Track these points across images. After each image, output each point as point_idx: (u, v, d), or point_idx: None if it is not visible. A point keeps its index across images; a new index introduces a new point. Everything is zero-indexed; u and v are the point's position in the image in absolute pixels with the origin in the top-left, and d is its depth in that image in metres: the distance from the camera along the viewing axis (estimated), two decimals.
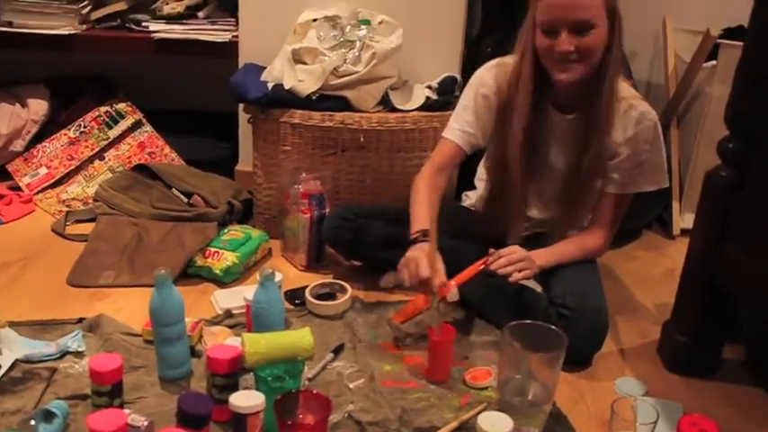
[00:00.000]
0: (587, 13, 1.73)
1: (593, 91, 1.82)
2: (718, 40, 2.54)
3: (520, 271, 1.83)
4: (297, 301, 2.03)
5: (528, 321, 1.56)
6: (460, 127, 2.01)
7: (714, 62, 2.57)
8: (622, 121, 1.87)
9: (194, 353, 1.74)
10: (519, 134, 1.89)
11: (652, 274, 2.40)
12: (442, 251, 1.79)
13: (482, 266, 1.85)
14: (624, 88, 1.90)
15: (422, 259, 1.76)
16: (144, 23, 2.78)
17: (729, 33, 2.63)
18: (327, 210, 2.22)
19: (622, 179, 1.90)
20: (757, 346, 1.89)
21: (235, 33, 2.69)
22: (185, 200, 2.54)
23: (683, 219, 2.69)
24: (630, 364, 1.87)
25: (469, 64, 2.46)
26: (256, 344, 1.52)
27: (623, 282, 2.33)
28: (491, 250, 1.88)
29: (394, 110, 2.36)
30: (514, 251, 1.86)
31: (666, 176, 1.94)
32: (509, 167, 1.94)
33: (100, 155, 2.81)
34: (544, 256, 1.91)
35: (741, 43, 1.70)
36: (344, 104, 2.31)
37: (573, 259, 1.94)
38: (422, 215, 1.91)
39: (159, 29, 2.74)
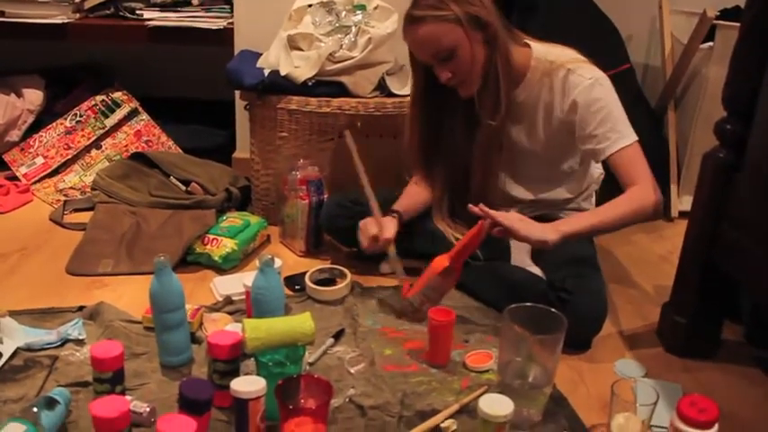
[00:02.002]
0: (440, 45, 1.78)
1: (478, 75, 1.83)
2: (715, 22, 2.53)
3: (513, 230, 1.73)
4: (296, 287, 2.04)
5: (528, 304, 1.56)
6: None
7: (711, 43, 2.56)
8: (562, 88, 1.85)
9: (195, 339, 1.74)
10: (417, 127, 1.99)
11: (651, 257, 2.40)
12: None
13: (479, 231, 1.77)
14: (564, 54, 1.87)
15: (370, 223, 1.97)
16: (138, 11, 2.78)
17: (726, 14, 2.62)
18: (325, 195, 2.22)
19: (597, 142, 1.82)
20: (756, 327, 1.90)
21: (230, 20, 2.68)
22: (183, 188, 2.54)
23: (682, 201, 2.69)
24: (630, 345, 1.88)
25: None
26: (257, 330, 1.52)
27: (622, 264, 2.33)
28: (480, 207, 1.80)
29: (391, 95, 2.36)
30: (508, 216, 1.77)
31: (632, 129, 1.82)
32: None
33: (97, 144, 2.81)
34: (574, 222, 1.80)
35: (738, 24, 1.69)
36: (341, 90, 2.30)
37: (619, 217, 1.77)
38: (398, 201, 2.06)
39: (153, 17, 2.73)
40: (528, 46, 1.89)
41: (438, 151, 2.01)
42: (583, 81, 1.81)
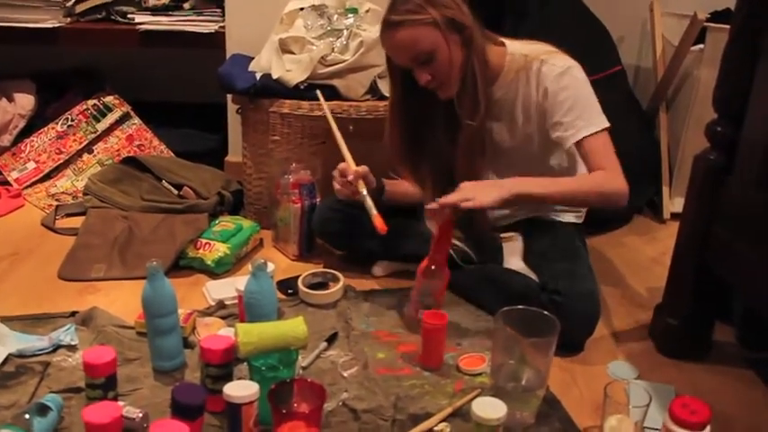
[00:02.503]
0: (419, 48, 1.79)
1: (456, 77, 1.84)
2: (706, 24, 2.54)
3: (467, 200, 1.72)
4: (289, 291, 2.03)
5: (520, 307, 1.57)
6: None
7: (702, 45, 2.57)
8: (537, 79, 1.86)
9: (187, 344, 1.74)
10: (398, 127, 2.00)
11: (643, 259, 2.41)
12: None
13: (445, 223, 1.78)
14: (537, 48, 1.89)
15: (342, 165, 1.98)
16: (129, 15, 2.77)
17: (716, 17, 2.63)
18: (318, 199, 2.22)
19: (563, 129, 1.83)
20: (748, 328, 1.90)
21: (221, 24, 2.68)
22: (175, 192, 2.53)
23: (674, 203, 2.70)
24: (623, 347, 1.88)
25: None
26: (249, 334, 1.51)
27: (615, 266, 2.34)
28: (427, 206, 1.83)
29: (383, 98, 2.36)
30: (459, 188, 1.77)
31: (603, 117, 1.82)
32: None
33: (88, 148, 2.80)
34: (530, 182, 1.81)
35: (728, 26, 1.70)
36: (333, 93, 2.30)
37: (576, 190, 1.83)
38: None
39: (145, 20, 2.73)
40: (503, 44, 1.91)
41: (422, 154, 2.01)
42: (554, 69, 1.84)
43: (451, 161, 1.97)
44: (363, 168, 1.97)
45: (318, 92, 2.12)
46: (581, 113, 1.81)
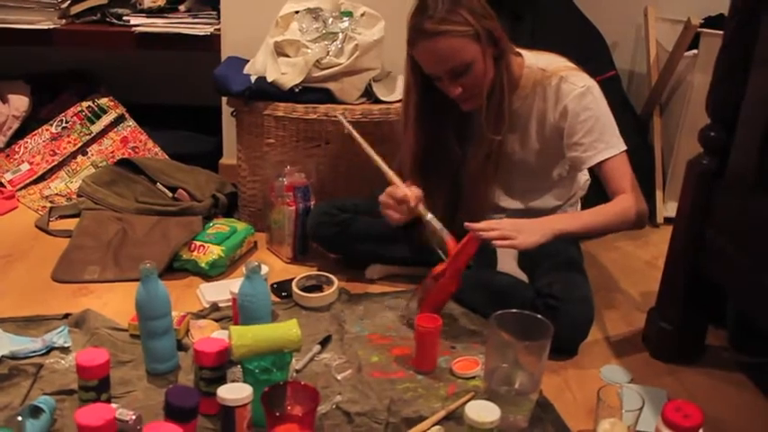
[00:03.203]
0: (458, 60, 1.75)
1: (485, 91, 1.82)
2: (699, 29, 2.55)
3: (506, 239, 1.72)
4: (283, 294, 2.03)
5: (514, 311, 1.57)
6: None
7: (695, 51, 2.58)
8: (555, 96, 1.86)
9: (181, 346, 1.74)
10: (412, 143, 1.95)
11: (636, 263, 2.41)
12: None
13: (470, 243, 1.75)
14: (554, 62, 1.89)
15: (392, 189, 1.91)
16: (125, 17, 2.77)
17: (710, 22, 2.64)
18: (312, 202, 2.22)
19: (583, 150, 1.84)
20: (740, 332, 1.91)
21: (217, 26, 2.68)
22: (170, 194, 2.53)
23: (667, 207, 2.71)
24: (616, 351, 1.89)
25: None
26: (243, 336, 1.51)
27: (608, 270, 2.34)
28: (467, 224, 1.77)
29: (377, 101, 2.37)
30: (499, 223, 1.77)
31: (620, 139, 1.85)
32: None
33: (83, 150, 2.79)
34: (565, 220, 1.82)
35: (721, 32, 1.71)
36: (328, 97, 2.30)
37: (606, 222, 1.82)
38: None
39: (140, 23, 2.72)
40: (520, 55, 1.90)
41: (433, 164, 1.98)
42: (575, 89, 1.82)
43: (462, 172, 1.97)
44: (419, 191, 1.90)
45: (340, 115, 2.06)
46: (601, 135, 1.81)
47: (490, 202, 2.01)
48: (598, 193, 1.94)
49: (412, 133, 1.95)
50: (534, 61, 1.89)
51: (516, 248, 1.74)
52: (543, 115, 1.89)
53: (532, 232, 1.73)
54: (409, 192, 1.88)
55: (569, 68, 1.87)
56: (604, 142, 1.82)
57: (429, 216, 1.88)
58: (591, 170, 1.93)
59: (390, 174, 1.95)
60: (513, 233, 1.71)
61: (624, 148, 1.83)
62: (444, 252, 1.84)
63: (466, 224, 1.74)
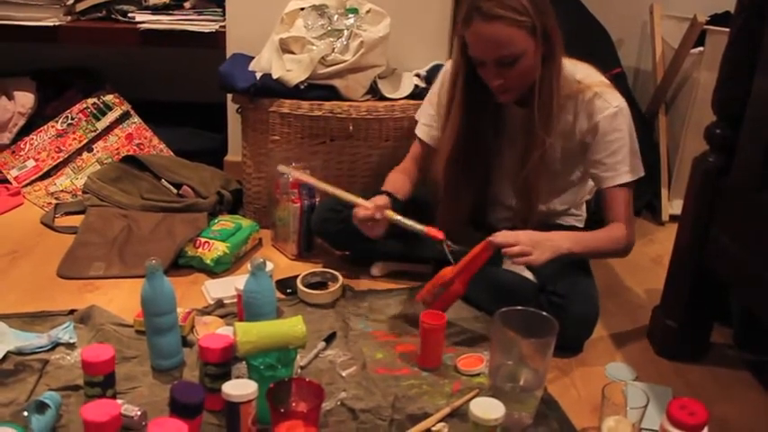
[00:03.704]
0: (509, 50, 1.71)
1: (535, 91, 1.79)
2: (706, 27, 2.54)
3: (525, 255, 1.72)
4: (288, 291, 2.04)
5: (519, 308, 1.57)
6: (424, 121, 2.09)
7: (701, 48, 2.58)
8: (587, 110, 1.84)
9: (186, 343, 1.74)
10: (455, 129, 1.91)
11: (642, 260, 2.41)
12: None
13: (485, 251, 1.76)
14: (591, 75, 1.88)
15: (358, 209, 1.90)
16: (130, 14, 2.77)
17: (716, 20, 2.64)
18: (317, 199, 2.22)
19: (604, 170, 1.85)
20: (745, 330, 1.91)
21: (222, 23, 2.68)
22: (175, 191, 2.54)
23: (672, 205, 2.70)
24: (621, 349, 1.89)
25: None
26: (248, 333, 1.52)
27: (613, 268, 2.34)
28: (489, 239, 1.77)
29: (383, 98, 2.36)
30: (515, 236, 1.75)
31: (641, 164, 1.86)
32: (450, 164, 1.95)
33: (88, 147, 2.80)
34: (571, 240, 1.82)
35: (728, 29, 1.70)
36: (333, 93, 2.30)
37: (600, 248, 1.88)
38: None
39: (145, 19, 2.72)
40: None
41: (468, 155, 1.94)
42: (608, 107, 1.82)
43: (491, 172, 1.98)
44: (381, 199, 1.91)
45: (281, 168, 2.11)
46: (625, 158, 1.82)
47: (538, 203, 1.96)
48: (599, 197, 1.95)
49: (456, 119, 1.90)
50: (571, 70, 1.85)
51: (530, 265, 1.76)
52: (571, 127, 1.88)
53: (546, 249, 1.74)
54: (371, 206, 1.88)
55: (605, 85, 1.86)
56: (627, 165, 1.83)
57: (397, 218, 1.88)
58: None
59: (349, 197, 1.95)
60: (529, 249, 1.72)
61: (641, 175, 1.85)
62: (435, 246, 1.86)
63: (489, 238, 1.74)
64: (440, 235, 1.84)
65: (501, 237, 1.74)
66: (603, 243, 1.86)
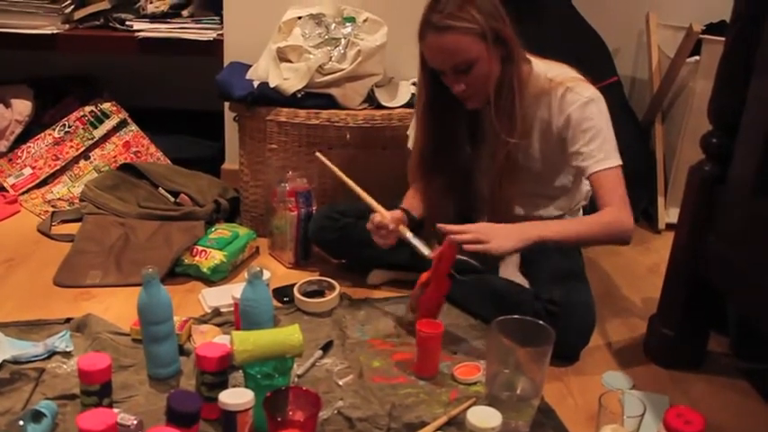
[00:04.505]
0: (462, 57, 1.76)
1: (492, 91, 1.82)
2: (701, 36, 2.55)
3: (480, 243, 1.70)
4: (285, 299, 2.03)
5: (516, 316, 1.57)
6: (413, 131, 2.08)
7: (697, 57, 2.59)
8: (560, 105, 1.85)
9: (183, 351, 1.74)
10: (425, 139, 1.96)
11: (638, 269, 2.41)
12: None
13: (448, 247, 1.75)
14: (563, 72, 1.89)
15: (375, 216, 1.92)
16: (128, 22, 2.78)
17: (712, 29, 2.65)
18: (314, 207, 2.22)
19: (584, 159, 1.83)
20: (742, 338, 1.91)
21: (219, 32, 2.68)
22: (172, 199, 2.54)
23: (669, 213, 2.71)
24: (617, 357, 1.89)
25: None
26: (245, 342, 1.52)
27: (609, 276, 2.34)
28: (438, 226, 1.79)
29: (380, 107, 2.37)
30: (471, 226, 1.77)
31: (618, 154, 1.83)
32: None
33: (85, 154, 2.80)
34: (544, 227, 1.80)
35: (723, 38, 1.71)
36: (330, 102, 2.31)
37: (587, 233, 1.83)
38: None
39: (143, 28, 2.73)
40: (530, 62, 1.90)
41: (442, 163, 1.98)
42: (579, 99, 1.82)
43: (473, 174, 1.97)
44: (398, 213, 1.93)
45: (319, 154, 2.08)
46: (601, 145, 1.81)
47: (511, 206, 1.98)
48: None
49: (420, 130, 1.97)
50: (544, 70, 1.89)
51: (489, 253, 1.71)
52: (546, 124, 1.89)
53: (507, 237, 1.73)
54: (388, 216, 1.90)
55: (576, 79, 1.87)
56: (603, 152, 1.81)
57: (408, 235, 1.89)
58: None
59: (370, 201, 1.96)
60: (484, 237, 1.71)
61: (620, 163, 1.82)
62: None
63: (437, 225, 1.75)
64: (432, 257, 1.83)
65: (455, 226, 1.74)
66: (590, 228, 1.83)
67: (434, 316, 1.82)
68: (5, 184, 2.70)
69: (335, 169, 2.04)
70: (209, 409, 1.46)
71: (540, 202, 2.04)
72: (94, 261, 2.20)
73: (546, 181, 2.00)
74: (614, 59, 2.80)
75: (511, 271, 2.00)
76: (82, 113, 2.82)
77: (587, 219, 1.83)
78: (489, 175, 1.94)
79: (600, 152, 1.81)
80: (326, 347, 1.81)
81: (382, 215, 1.91)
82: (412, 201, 2.04)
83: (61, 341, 1.75)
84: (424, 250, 1.86)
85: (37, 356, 1.70)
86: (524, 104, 1.86)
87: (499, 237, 1.72)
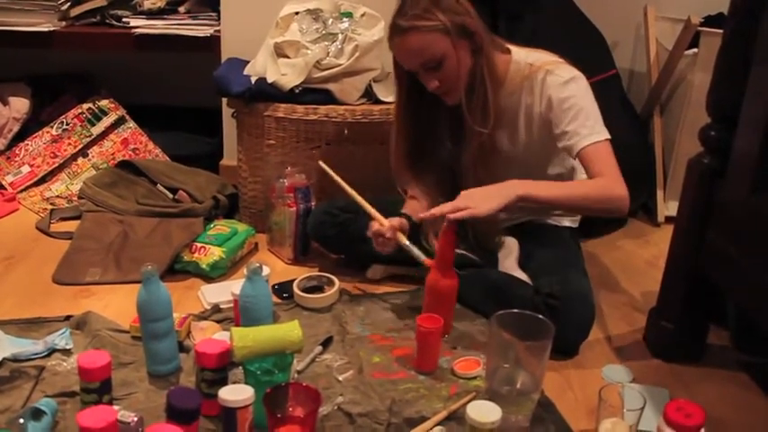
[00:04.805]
0: (427, 54, 1.80)
1: (462, 82, 1.84)
2: (699, 28, 2.55)
3: (462, 210, 1.71)
4: (284, 295, 2.03)
5: (515, 311, 1.57)
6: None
7: (695, 50, 2.58)
8: (541, 88, 1.87)
9: (183, 348, 1.74)
10: (403, 131, 2.00)
11: (637, 262, 2.41)
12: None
13: (446, 232, 1.76)
14: (543, 57, 1.90)
15: (373, 224, 1.92)
16: (124, 19, 2.77)
17: (710, 21, 2.64)
18: (313, 203, 2.22)
19: (569, 138, 1.81)
20: (741, 332, 1.91)
21: (216, 28, 2.68)
22: (170, 196, 2.53)
23: (668, 206, 2.71)
24: (617, 351, 1.89)
25: None
26: (245, 338, 1.52)
27: (609, 270, 2.34)
28: (418, 216, 1.86)
29: (378, 102, 2.37)
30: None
31: (604, 128, 1.80)
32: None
33: (83, 152, 2.80)
34: (529, 184, 1.76)
35: (721, 31, 1.71)
36: (328, 97, 2.31)
37: (579, 194, 1.80)
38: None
39: (140, 24, 2.72)
40: (509, 52, 1.91)
41: (426, 161, 2.01)
42: (558, 79, 1.84)
43: (456, 169, 1.97)
44: (396, 220, 1.92)
45: (322, 163, 2.09)
46: (584, 122, 1.80)
47: None
48: None
49: (400, 129, 2.00)
50: (523, 57, 1.91)
51: (475, 216, 1.71)
52: (530, 110, 1.90)
53: (489, 198, 1.72)
54: (386, 224, 1.90)
55: (556, 62, 1.88)
56: (588, 128, 1.80)
57: (405, 242, 1.89)
58: None
59: (370, 209, 1.95)
60: (464, 204, 1.72)
61: (608, 136, 1.80)
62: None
63: (418, 216, 1.81)
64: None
65: (428, 212, 1.77)
66: (582, 190, 1.80)
67: (449, 324, 1.84)
68: (4, 182, 2.70)
69: (337, 177, 2.03)
70: (209, 406, 1.46)
71: None
72: (94, 258, 2.19)
73: (537, 169, 1.99)
74: (612, 52, 2.79)
75: (510, 265, 2.00)
76: (80, 111, 2.82)
77: (578, 182, 1.82)
78: (464, 166, 1.95)
79: (584, 128, 1.80)
80: (326, 343, 1.81)
81: (380, 223, 1.91)
82: (411, 204, 2.04)
83: (61, 339, 1.75)
84: (420, 256, 1.87)
85: (37, 354, 1.70)
86: (499, 94, 1.88)
87: (480, 199, 1.72)
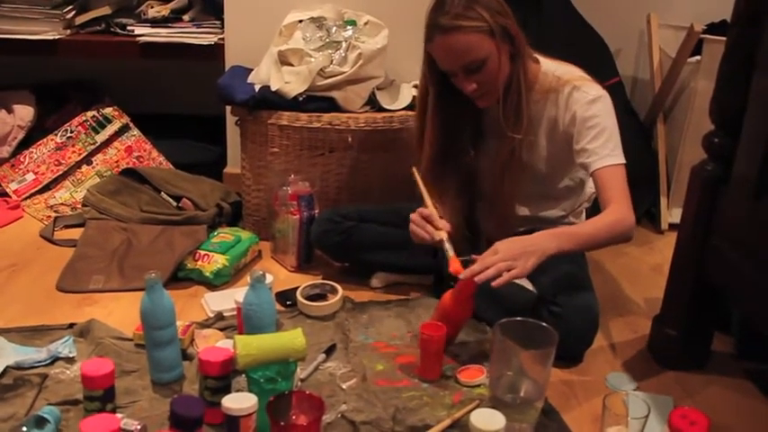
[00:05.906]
0: (472, 56, 1.76)
1: (500, 87, 1.82)
2: (703, 36, 2.55)
3: (504, 272, 1.64)
4: (288, 303, 2.03)
5: (519, 318, 1.57)
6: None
7: (699, 57, 2.58)
8: (567, 103, 1.86)
9: (186, 356, 1.74)
10: (433, 135, 1.94)
11: (641, 269, 2.41)
12: None
13: (464, 289, 1.73)
14: (571, 71, 1.89)
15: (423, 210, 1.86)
16: (129, 27, 2.78)
17: (713, 28, 2.65)
18: (316, 211, 2.22)
19: (588, 156, 1.81)
20: (746, 339, 1.91)
21: (220, 36, 2.69)
22: (174, 203, 2.54)
23: (671, 213, 2.71)
24: (621, 358, 1.88)
25: None
26: (248, 346, 1.51)
27: (613, 277, 2.34)
28: (473, 257, 1.74)
29: (381, 110, 2.37)
30: (493, 252, 1.68)
31: (622, 153, 1.80)
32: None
33: (87, 160, 2.80)
34: (558, 237, 1.73)
35: (724, 38, 1.71)
36: (332, 105, 2.31)
37: (596, 237, 1.77)
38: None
39: (144, 32, 2.73)
40: (537, 61, 1.90)
41: (450, 165, 1.98)
42: (586, 96, 1.83)
43: (477, 173, 1.97)
44: (446, 225, 1.84)
45: (414, 171, 1.99)
46: (606, 143, 1.80)
47: (514, 203, 1.98)
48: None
49: (430, 132, 1.94)
50: (552, 69, 1.90)
51: (519, 278, 1.67)
52: (553, 122, 1.90)
53: (530, 255, 1.67)
54: (440, 223, 1.84)
55: (584, 78, 1.87)
56: (608, 149, 1.80)
57: (446, 245, 1.80)
58: None
59: (428, 199, 1.90)
60: (510, 263, 1.65)
61: (624, 161, 1.81)
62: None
63: (451, 272, 1.72)
64: (458, 272, 1.74)
65: (469, 272, 1.66)
66: (599, 232, 1.78)
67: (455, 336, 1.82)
68: (8, 190, 2.71)
69: (421, 186, 1.95)
70: (212, 414, 1.46)
71: (546, 203, 2.04)
72: (97, 266, 2.20)
73: (552, 182, 1.99)
74: (616, 60, 2.80)
75: None
76: (84, 118, 2.83)
77: (593, 222, 1.80)
78: (491, 172, 1.93)
79: (604, 149, 1.80)
80: (330, 351, 1.81)
81: (436, 218, 1.85)
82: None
83: (64, 346, 1.75)
84: (450, 251, 1.79)
85: (40, 362, 1.70)
86: (531, 101, 1.86)
87: (522, 258, 1.66)
